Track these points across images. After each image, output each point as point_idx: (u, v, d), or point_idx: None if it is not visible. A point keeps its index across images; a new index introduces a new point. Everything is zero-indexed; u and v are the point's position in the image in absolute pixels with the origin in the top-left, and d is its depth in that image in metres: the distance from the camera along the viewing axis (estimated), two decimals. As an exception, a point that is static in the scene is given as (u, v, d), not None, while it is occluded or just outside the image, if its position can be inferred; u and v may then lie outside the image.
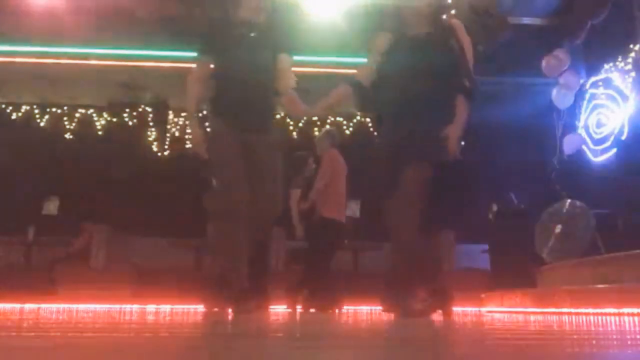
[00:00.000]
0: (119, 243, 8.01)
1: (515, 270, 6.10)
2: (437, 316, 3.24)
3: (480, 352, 1.24)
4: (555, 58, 7.15)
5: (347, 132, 9.11)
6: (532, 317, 3.93)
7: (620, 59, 6.77)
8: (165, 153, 9.37)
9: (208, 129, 3.62)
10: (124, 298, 6.77)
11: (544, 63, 7.17)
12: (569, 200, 5.99)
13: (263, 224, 3.56)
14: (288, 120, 9.44)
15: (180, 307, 5.96)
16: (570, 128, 7.55)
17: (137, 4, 7.62)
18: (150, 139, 9.38)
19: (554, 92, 7.23)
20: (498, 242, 6.66)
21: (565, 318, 3.68)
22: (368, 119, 9.34)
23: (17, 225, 8.03)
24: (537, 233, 6.16)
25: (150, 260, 7.72)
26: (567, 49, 7.26)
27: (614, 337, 1.75)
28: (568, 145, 7.30)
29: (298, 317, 4.03)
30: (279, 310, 5.40)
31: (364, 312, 5.63)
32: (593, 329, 2.26)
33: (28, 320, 2.52)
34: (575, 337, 1.73)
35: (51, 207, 8.70)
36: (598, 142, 7.08)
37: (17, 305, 5.73)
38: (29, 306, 5.72)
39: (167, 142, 9.43)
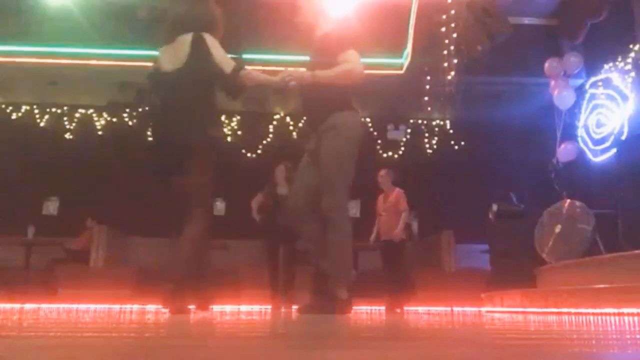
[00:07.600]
0: (119, 243, 8.01)
1: (515, 270, 6.10)
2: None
3: (480, 352, 1.24)
4: (558, 61, 7.14)
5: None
6: (532, 317, 3.92)
7: (620, 59, 6.77)
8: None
9: None
10: (124, 298, 6.77)
11: (546, 65, 7.16)
12: (568, 200, 5.99)
13: None
14: (288, 120, 9.43)
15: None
16: (570, 128, 7.54)
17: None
18: (150, 139, 9.37)
19: (555, 92, 7.22)
20: (498, 242, 6.66)
21: (565, 318, 3.67)
22: (368, 119, 9.33)
23: (17, 225, 8.03)
24: (537, 233, 6.16)
25: (150, 260, 7.71)
26: (578, 52, 7.24)
27: (614, 337, 1.75)
28: (563, 154, 7.29)
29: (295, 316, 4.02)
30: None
31: (363, 312, 5.62)
32: (593, 329, 2.26)
33: (28, 320, 2.52)
34: (575, 337, 1.73)
35: (51, 207, 8.68)
36: (598, 142, 7.07)
37: (17, 305, 5.72)
38: (29, 306, 5.71)
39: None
